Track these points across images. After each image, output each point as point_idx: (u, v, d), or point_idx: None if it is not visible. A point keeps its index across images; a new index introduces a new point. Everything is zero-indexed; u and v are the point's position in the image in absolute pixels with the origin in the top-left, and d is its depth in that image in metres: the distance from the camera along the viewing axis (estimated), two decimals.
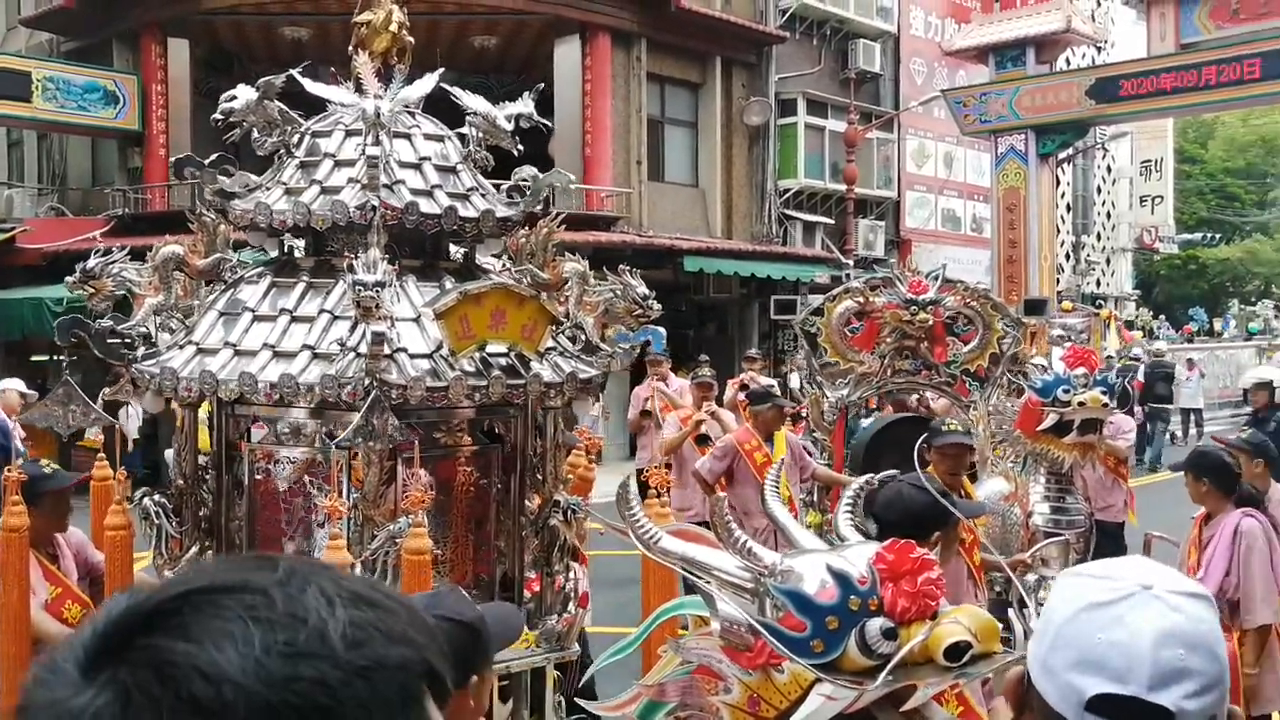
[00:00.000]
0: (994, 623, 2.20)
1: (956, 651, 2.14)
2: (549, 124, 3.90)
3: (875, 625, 2.20)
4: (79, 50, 19.20)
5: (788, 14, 21.83)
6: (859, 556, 2.32)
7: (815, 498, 7.59)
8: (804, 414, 8.21)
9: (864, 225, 22.85)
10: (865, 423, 7.83)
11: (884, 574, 2.27)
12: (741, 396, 10.85)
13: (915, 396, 8.50)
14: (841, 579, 2.25)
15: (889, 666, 2.16)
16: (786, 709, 2.30)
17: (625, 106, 19.53)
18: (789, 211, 22.10)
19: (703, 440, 8.37)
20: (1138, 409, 18.91)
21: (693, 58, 20.80)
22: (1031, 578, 5.38)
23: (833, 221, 22.50)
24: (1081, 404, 4.98)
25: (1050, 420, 5.08)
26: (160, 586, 0.77)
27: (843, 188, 21.81)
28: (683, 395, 9.49)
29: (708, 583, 2.48)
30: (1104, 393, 5.05)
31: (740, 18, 20.95)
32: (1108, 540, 8.07)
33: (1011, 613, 4.94)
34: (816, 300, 8.17)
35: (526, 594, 3.81)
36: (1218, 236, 42.53)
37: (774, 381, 13.26)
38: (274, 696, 0.70)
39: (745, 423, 7.71)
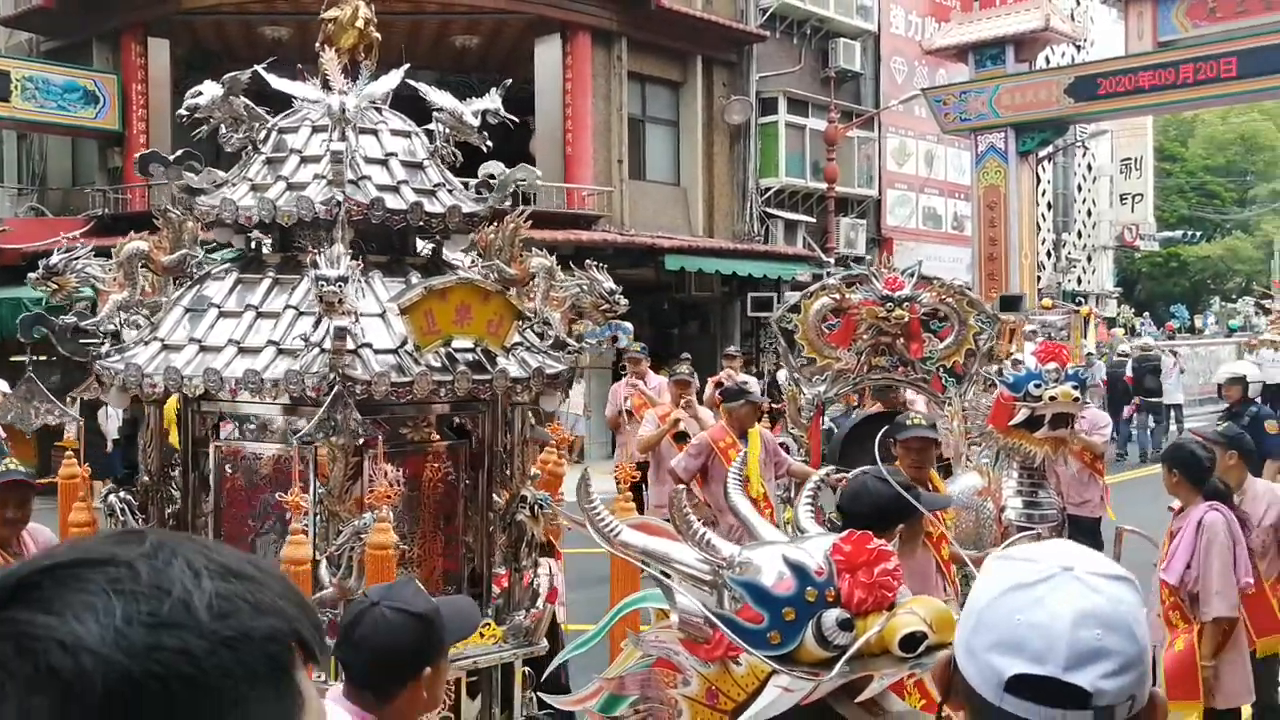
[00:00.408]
0: (950, 613, 2.20)
1: (912, 642, 2.15)
2: (514, 120, 3.89)
3: (832, 616, 2.21)
4: (59, 50, 19.08)
5: (768, 13, 21.87)
6: (817, 548, 2.33)
7: (792, 494, 7.61)
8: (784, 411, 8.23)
9: (845, 224, 22.92)
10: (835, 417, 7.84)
11: (841, 565, 2.28)
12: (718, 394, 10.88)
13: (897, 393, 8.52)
14: (798, 570, 2.26)
15: (844, 657, 2.17)
16: (744, 700, 2.31)
17: (606, 105, 19.53)
18: (770, 210, 22.14)
19: (681, 437, 8.38)
20: (1126, 406, 19.16)
21: (673, 56, 20.82)
22: None
23: (814, 220, 22.55)
24: (1053, 399, 5.01)
25: (1022, 415, 5.10)
26: (26, 561, 0.77)
27: (824, 186, 21.86)
28: (661, 393, 9.50)
29: (667, 576, 2.49)
30: (1075, 387, 5.07)
31: (721, 17, 20.98)
32: (1084, 535, 8.11)
33: None
34: (794, 297, 8.19)
35: (495, 589, 3.81)
36: (1198, 234, 42.80)
37: (751, 378, 13.29)
38: (135, 666, 0.70)
39: (721, 420, 7.72)
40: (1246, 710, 5.28)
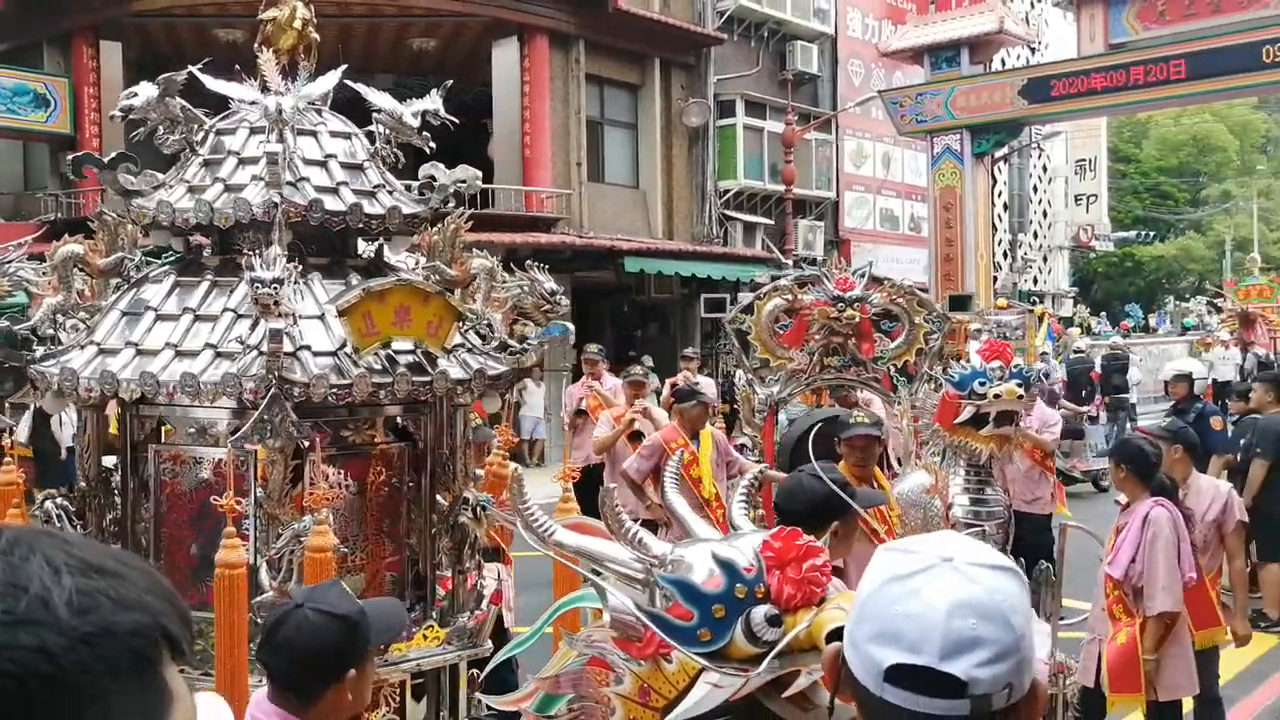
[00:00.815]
0: None
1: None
2: (454, 120, 3.88)
3: (760, 612, 2.22)
4: (8, 53, 18.78)
5: (725, 16, 21.96)
6: (747, 545, 2.35)
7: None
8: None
9: (803, 225, 23.06)
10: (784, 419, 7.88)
11: (770, 562, 2.29)
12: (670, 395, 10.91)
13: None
14: (728, 567, 2.27)
15: (773, 653, 2.19)
16: (675, 697, 2.32)
17: (564, 108, 19.53)
18: (729, 212, 22.23)
19: (636, 438, 8.39)
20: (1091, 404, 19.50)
21: (631, 59, 20.85)
22: None
23: (772, 222, 22.68)
24: (997, 396, 5.06)
25: (967, 413, 5.15)
26: None
27: (782, 188, 21.98)
28: (618, 394, 9.50)
29: (601, 575, 2.50)
30: (1019, 385, 5.13)
31: (678, 19, 21.04)
32: (1035, 532, 8.22)
33: None
34: (747, 298, 8.22)
35: (440, 591, 3.80)
36: (1152, 234, 43.46)
37: (706, 379, 13.34)
38: None
39: (674, 421, 7.74)
40: (1188, 703, 5.37)
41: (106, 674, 0.74)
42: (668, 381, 11.74)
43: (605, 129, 21.00)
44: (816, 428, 6.65)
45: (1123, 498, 5.22)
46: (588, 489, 6.72)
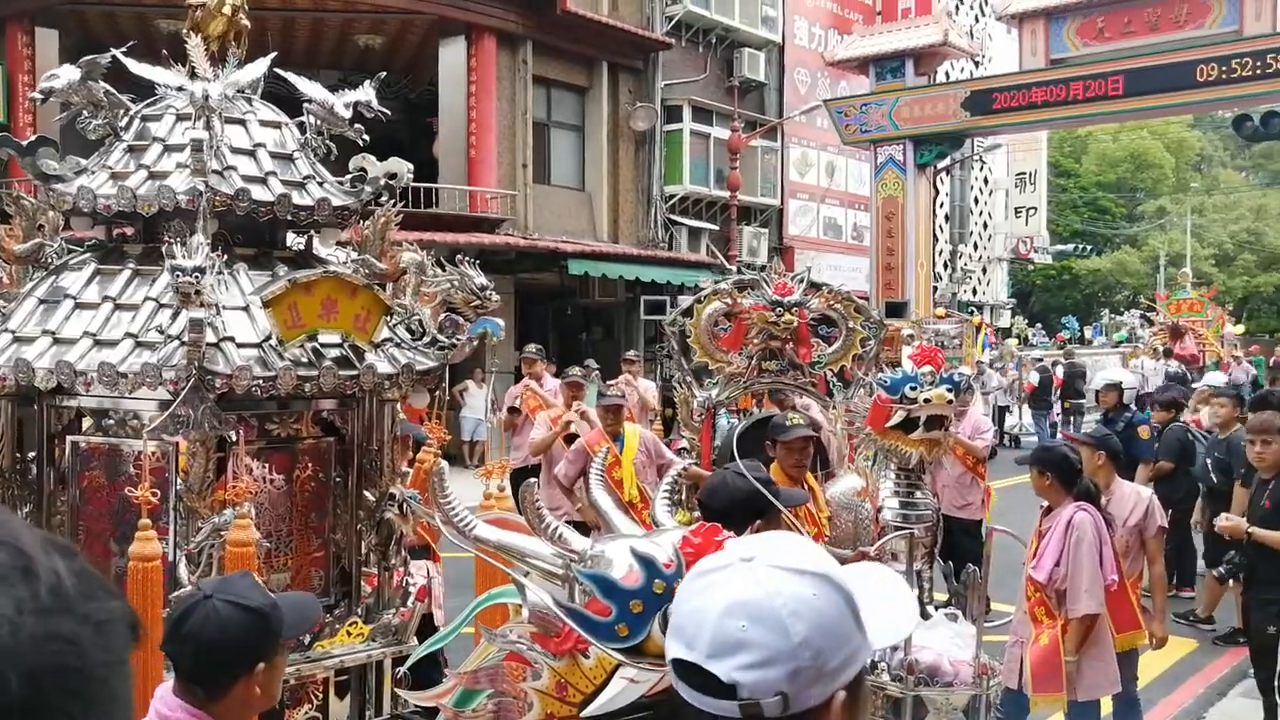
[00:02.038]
0: None
1: None
2: (386, 113, 3.84)
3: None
4: None
5: (674, 21, 22.05)
6: (667, 541, 2.35)
7: (684, 496, 7.65)
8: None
9: (748, 232, 23.20)
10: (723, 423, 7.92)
11: (690, 558, 2.29)
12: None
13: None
14: (647, 563, 2.27)
15: None
16: (592, 693, 2.31)
17: (511, 109, 19.46)
18: (674, 217, 22.30)
19: (573, 440, 8.37)
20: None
21: (579, 62, 20.84)
22: None
23: (717, 228, 22.79)
24: (928, 400, 5.11)
25: (898, 417, 5.19)
26: None
27: (727, 194, 22.10)
28: (557, 396, 9.47)
29: (523, 570, 2.49)
30: (949, 390, 5.19)
31: (627, 23, 21.07)
32: (966, 537, 8.35)
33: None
34: (687, 301, 8.25)
35: (366, 588, 3.75)
36: (1089, 248, 44.37)
37: (649, 383, 13.36)
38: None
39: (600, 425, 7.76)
40: (1107, 704, 5.47)
41: (115, 662, 0.72)
42: (608, 384, 11.74)
43: (552, 131, 20.97)
44: (748, 429, 6.70)
45: (1045, 503, 5.33)
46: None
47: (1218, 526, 6.02)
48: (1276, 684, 5.57)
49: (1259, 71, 17.46)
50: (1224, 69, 17.69)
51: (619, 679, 2.26)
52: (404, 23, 19.07)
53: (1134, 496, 5.79)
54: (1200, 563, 8.75)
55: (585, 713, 2.27)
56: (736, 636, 1.16)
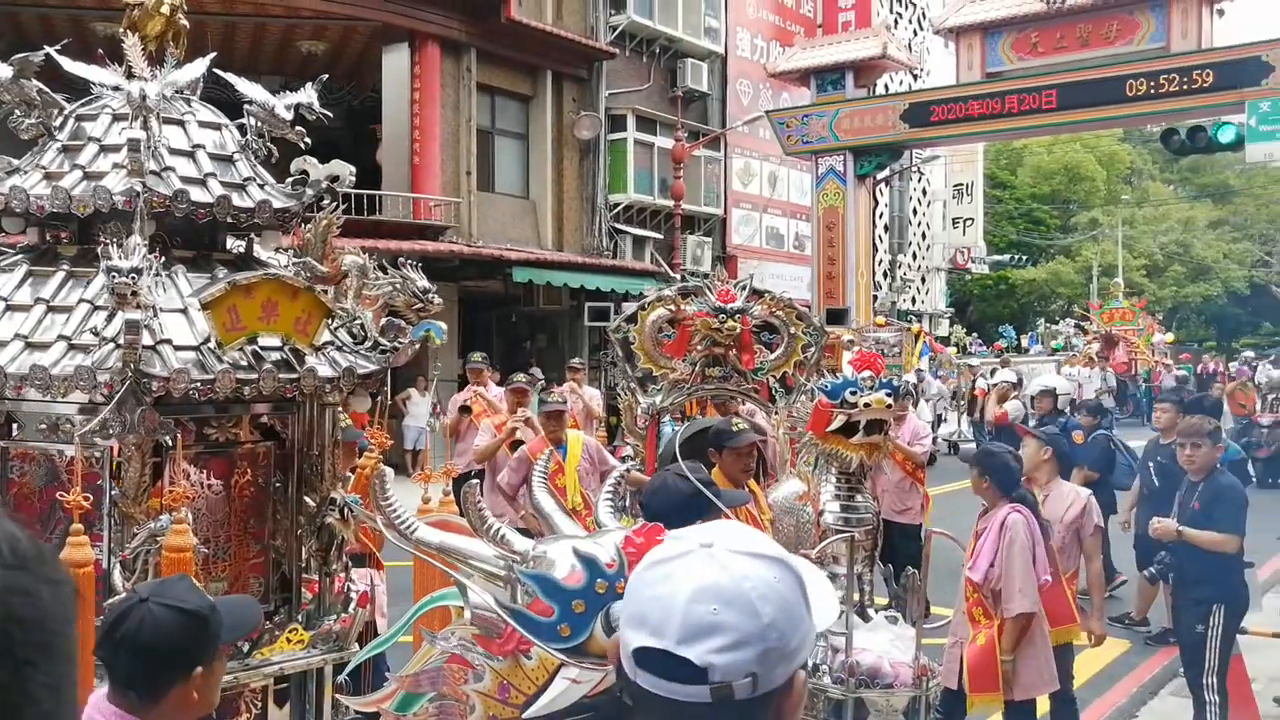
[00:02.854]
0: None
1: None
2: (328, 115, 3.82)
3: (619, 607, 2.24)
4: None
5: (618, 31, 22.13)
6: (609, 541, 2.36)
7: (627, 502, 7.66)
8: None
9: (692, 241, 23.33)
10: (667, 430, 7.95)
11: (632, 558, 2.31)
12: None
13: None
14: (589, 563, 2.28)
15: None
16: (534, 693, 2.32)
17: (455, 116, 19.38)
18: (619, 225, 22.35)
19: (517, 447, 8.34)
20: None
21: (524, 70, 20.82)
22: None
23: (661, 236, 22.89)
24: (867, 405, 5.18)
25: (838, 421, 5.26)
26: None
27: (671, 203, 22.20)
28: (501, 403, 9.44)
29: (465, 572, 2.48)
30: (888, 395, 5.27)
31: (571, 32, 21.10)
32: (907, 541, 8.47)
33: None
34: (631, 307, 8.27)
35: (307, 594, 3.71)
36: (1025, 258, 45.24)
37: (594, 390, 13.37)
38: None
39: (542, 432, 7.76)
40: (1044, 704, 5.58)
41: (68, 620, 0.76)
42: (551, 391, 11.73)
43: (496, 138, 20.92)
44: (691, 435, 6.74)
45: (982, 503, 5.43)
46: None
47: (1150, 529, 6.18)
48: (1205, 681, 5.72)
49: (1185, 87, 17.97)
50: (1152, 84, 18.18)
51: (561, 679, 2.27)
52: (347, 29, 18.91)
53: (1072, 495, 5.92)
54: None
55: (527, 713, 2.28)
56: (709, 620, 1.17)
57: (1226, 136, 18.27)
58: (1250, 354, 29.36)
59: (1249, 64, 17.57)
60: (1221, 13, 18.72)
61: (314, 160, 3.69)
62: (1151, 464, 8.12)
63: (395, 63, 19.02)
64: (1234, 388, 17.96)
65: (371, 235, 15.78)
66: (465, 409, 9.62)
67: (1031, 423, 9.61)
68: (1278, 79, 17.29)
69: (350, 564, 3.85)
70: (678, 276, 21.15)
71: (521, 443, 8.33)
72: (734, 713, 1.19)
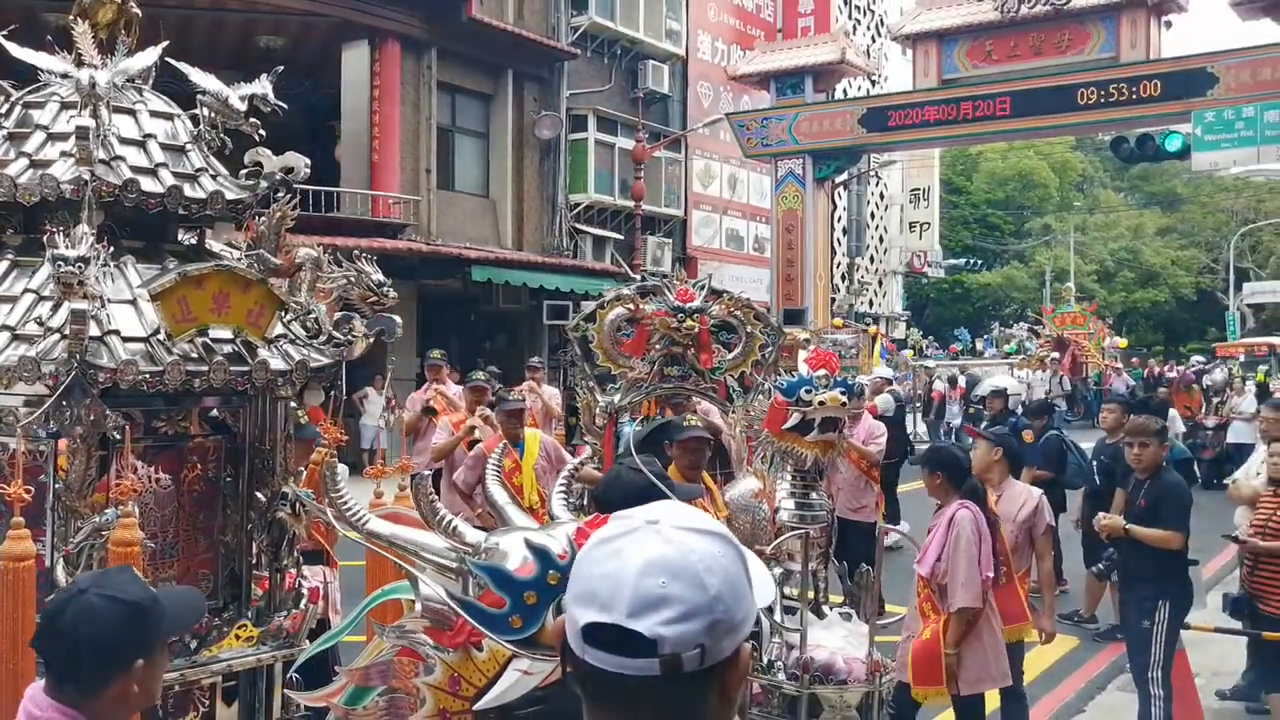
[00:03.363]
0: None
1: None
2: (283, 106, 3.78)
3: None
4: None
5: (579, 32, 22.12)
6: (562, 533, 2.36)
7: (584, 500, 7.65)
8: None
9: (652, 242, 23.37)
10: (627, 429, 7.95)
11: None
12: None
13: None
14: (541, 554, 2.27)
15: None
16: (485, 685, 2.31)
17: (415, 114, 19.26)
18: (579, 225, 22.33)
19: (476, 445, 8.29)
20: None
21: (485, 69, 20.74)
22: (777, 571, 5.60)
23: (622, 237, 22.90)
24: (822, 403, 5.21)
25: (794, 419, 5.28)
26: None
27: (631, 204, 22.22)
28: (460, 400, 9.39)
29: (416, 564, 2.47)
30: (843, 393, 5.30)
31: (532, 32, 21.06)
32: (862, 539, 8.52)
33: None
34: (589, 306, 8.27)
35: (258, 590, 3.67)
36: (980, 263, 45.79)
37: (554, 389, 13.34)
38: None
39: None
40: (994, 700, 5.65)
41: None
42: (510, 389, 11.70)
43: (456, 137, 20.82)
44: (648, 435, 6.75)
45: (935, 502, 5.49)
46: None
47: (1097, 525, 6.27)
48: (1150, 675, 5.81)
49: (1134, 97, 18.35)
50: (1102, 93, 18.54)
51: (512, 671, 2.26)
52: (305, 25, 18.72)
53: (1024, 495, 5.99)
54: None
55: (478, 705, 2.27)
56: (658, 593, 1.18)
57: (1174, 145, 18.68)
58: (1199, 359, 29.97)
59: (1195, 75, 17.97)
60: (1169, 25, 19.13)
61: (267, 152, 3.66)
62: (1095, 463, 8.25)
63: (355, 60, 18.87)
64: (1180, 391, 18.32)
65: (329, 232, 15.63)
66: (430, 410, 9.54)
67: (983, 424, 9.80)
68: (1223, 90, 17.69)
69: (303, 560, 3.81)
70: (638, 277, 21.15)
71: (479, 441, 8.29)
72: (682, 685, 1.21)
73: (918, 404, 22.11)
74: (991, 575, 5.11)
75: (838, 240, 30.63)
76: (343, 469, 3.06)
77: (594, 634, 1.21)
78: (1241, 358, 30.25)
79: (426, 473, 3.72)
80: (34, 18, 17.52)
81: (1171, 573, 5.87)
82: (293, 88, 20.21)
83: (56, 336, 2.99)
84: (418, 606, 2.38)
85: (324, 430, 4.37)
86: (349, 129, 18.97)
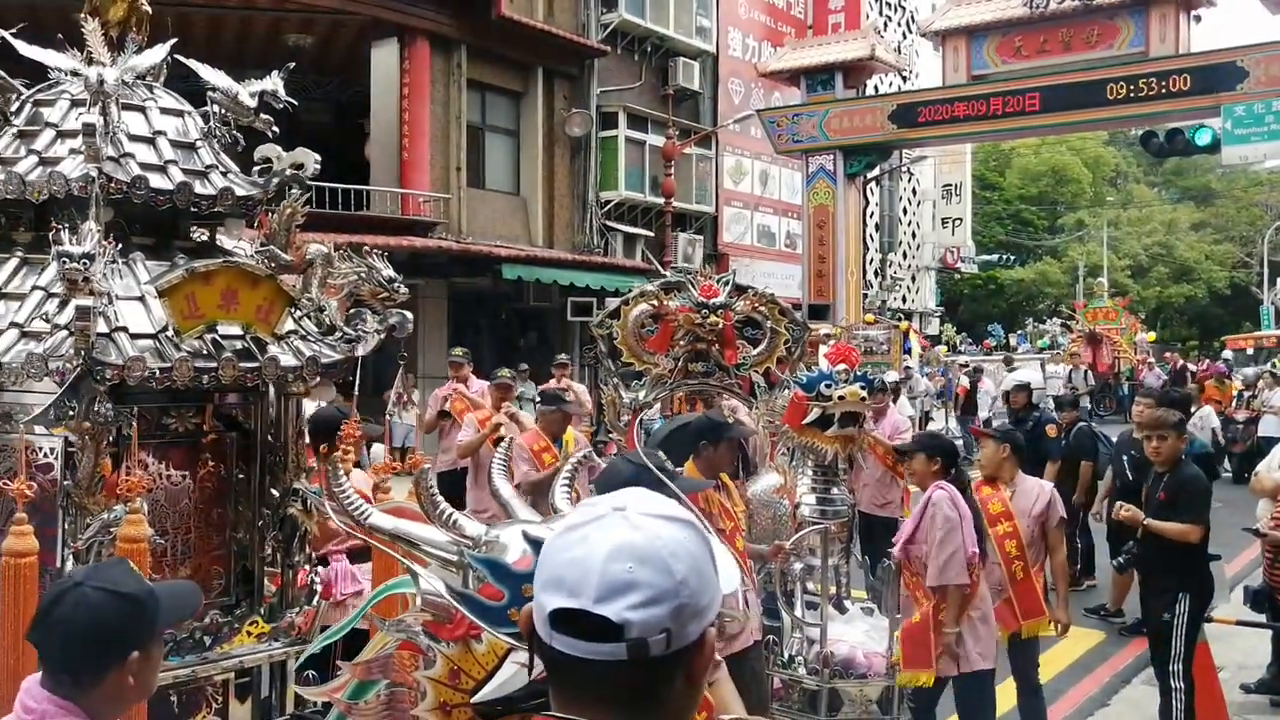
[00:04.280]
0: None
1: None
2: (293, 103, 3.77)
3: None
4: None
5: (609, 29, 22.09)
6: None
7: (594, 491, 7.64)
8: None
9: (683, 239, 23.30)
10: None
11: None
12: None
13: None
14: (539, 546, 2.25)
15: None
16: (484, 678, 2.29)
17: (445, 112, 19.31)
18: (610, 223, 22.31)
19: (501, 443, 8.28)
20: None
21: (515, 67, 20.77)
22: (798, 566, 5.56)
23: (652, 234, 22.85)
24: (842, 398, 5.17)
25: (814, 414, 5.25)
26: None
27: (662, 201, 22.18)
28: (484, 397, 9.40)
29: (422, 558, 2.46)
30: (863, 388, 5.26)
31: (562, 30, 21.05)
32: (888, 535, 8.44)
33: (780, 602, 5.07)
34: (614, 303, 8.25)
35: (271, 587, 3.68)
36: (1013, 258, 45.35)
37: (582, 386, 13.33)
38: None
39: (537, 425, 7.72)
40: (1011, 697, 5.58)
41: None
42: (540, 388, 11.71)
43: (486, 135, 20.85)
44: (671, 429, 6.71)
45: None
46: (451, 494, 6.62)
47: (1116, 514, 6.21)
48: (1171, 669, 5.73)
49: (1163, 91, 18.10)
50: (1131, 88, 18.33)
51: (510, 663, 2.24)
52: (335, 23, 18.83)
53: (1036, 489, 5.94)
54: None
55: (476, 698, 2.25)
56: (625, 578, 1.20)
57: (1203, 139, 18.44)
58: (1230, 354, 29.54)
59: (1225, 69, 17.72)
60: (1199, 19, 18.86)
61: (278, 148, 3.66)
62: (1126, 457, 8.12)
63: (384, 58, 18.95)
64: (1210, 384, 18.04)
65: (359, 231, 15.71)
66: (445, 414, 9.56)
67: (999, 421, 9.69)
68: (1253, 84, 17.44)
69: (351, 560, 3.81)
70: (667, 274, 21.12)
71: (503, 438, 8.27)
72: (649, 670, 1.22)
73: (952, 401, 21.87)
74: (976, 551, 5.05)
75: (870, 236, 30.42)
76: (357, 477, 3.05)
77: (561, 619, 1.22)
78: (1249, 350, 29.84)
79: (426, 466, 3.67)
80: (39, 14, 17.76)
81: (1191, 566, 5.80)
82: (322, 86, 20.36)
83: (64, 333, 3.01)
84: (418, 600, 2.36)
85: (347, 426, 4.37)
86: (378, 127, 19.06)
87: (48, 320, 3.03)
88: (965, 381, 21.39)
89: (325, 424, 4.81)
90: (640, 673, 1.21)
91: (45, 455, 3.18)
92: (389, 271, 3.62)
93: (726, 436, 5.27)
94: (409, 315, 3.60)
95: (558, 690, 1.30)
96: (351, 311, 3.63)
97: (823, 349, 6.95)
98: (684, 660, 1.24)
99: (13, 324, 3.10)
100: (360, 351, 3.55)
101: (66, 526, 3.12)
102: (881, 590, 5.44)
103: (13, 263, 3.30)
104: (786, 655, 5.29)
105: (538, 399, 8.99)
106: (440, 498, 2.44)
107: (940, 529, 4.94)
